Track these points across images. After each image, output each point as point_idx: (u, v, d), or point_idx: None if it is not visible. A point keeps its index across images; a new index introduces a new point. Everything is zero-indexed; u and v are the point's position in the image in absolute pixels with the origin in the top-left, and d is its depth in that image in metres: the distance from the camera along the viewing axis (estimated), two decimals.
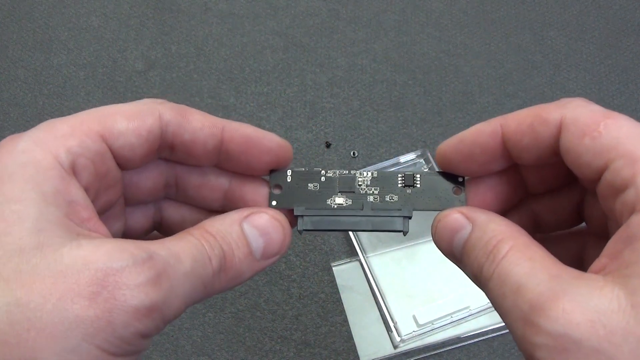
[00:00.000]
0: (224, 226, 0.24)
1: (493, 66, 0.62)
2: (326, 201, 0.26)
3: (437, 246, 0.25)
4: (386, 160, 0.53)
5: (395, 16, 0.65)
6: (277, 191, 0.27)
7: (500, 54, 0.62)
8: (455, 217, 0.24)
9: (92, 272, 0.19)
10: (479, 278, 0.22)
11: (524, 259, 0.21)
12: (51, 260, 0.19)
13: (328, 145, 0.57)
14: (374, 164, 0.54)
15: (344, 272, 0.51)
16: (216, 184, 0.27)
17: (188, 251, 0.22)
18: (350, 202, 0.26)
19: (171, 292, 0.20)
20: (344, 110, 0.59)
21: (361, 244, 0.51)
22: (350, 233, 0.51)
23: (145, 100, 0.24)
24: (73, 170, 0.21)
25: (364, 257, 0.50)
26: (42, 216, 0.20)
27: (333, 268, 0.51)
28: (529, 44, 0.63)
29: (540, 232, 0.27)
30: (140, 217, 0.27)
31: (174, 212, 0.28)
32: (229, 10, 0.65)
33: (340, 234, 0.52)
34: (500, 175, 0.26)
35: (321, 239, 0.52)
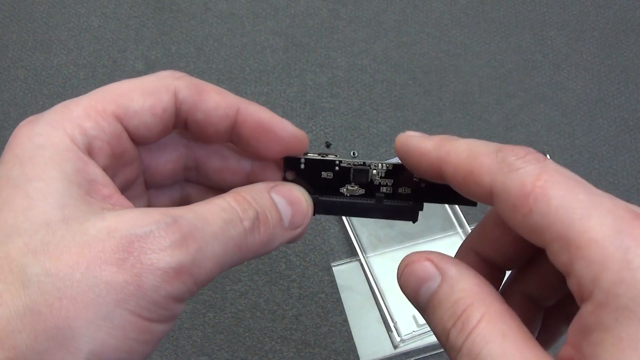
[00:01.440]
0: (255, 192, 0.24)
1: (493, 66, 0.62)
2: (339, 189, 0.27)
3: (401, 290, 0.24)
4: (386, 160, 0.53)
5: (395, 16, 0.65)
6: (290, 176, 0.27)
7: (500, 54, 0.62)
8: (424, 265, 0.22)
9: (117, 240, 0.19)
10: (444, 343, 0.21)
11: (496, 334, 0.19)
12: (76, 231, 0.19)
13: (328, 145, 0.57)
14: None
15: (344, 272, 0.51)
16: (238, 167, 0.27)
17: (217, 213, 0.22)
18: (363, 192, 0.27)
19: (200, 253, 0.20)
20: (344, 110, 0.59)
21: (361, 244, 0.51)
22: (350, 233, 0.51)
23: (163, 74, 0.24)
24: (89, 151, 0.22)
25: (364, 257, 0.50)
26: (65, 193, 0.20)
27: (333, 268, 0.51)
28: (529, 44, 0.63)
29: (542, 307, 0.25)
30: (165, 201, 0.27)
31: (200, 195, 0.28)
32: (229, 10, 0.65)
33: (341, 234, 0.52)
34: (471, 263, 0.24)
35: (321, 239, 0.52)
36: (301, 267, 0.51)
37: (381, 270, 0.50)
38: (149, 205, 0.27)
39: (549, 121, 0.59)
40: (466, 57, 0.62)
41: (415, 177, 0.26)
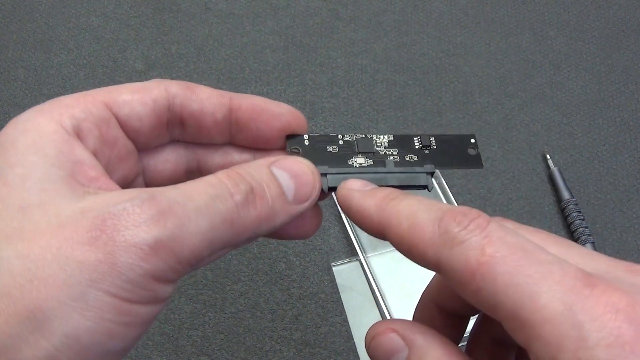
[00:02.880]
0: (252, 168, 0.23)
1: (493, 66, 0.62)
2: (347, 161, 0.26)
3: None
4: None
5: (395, 16, 0.65)
6: (295, 155, 0.26)
7: (500, 54, 0.62)
8: (391, 336, 0.21)
9: (91, 219, 0.19)
10: None
11: None
12: (52, 214, 0.19)
13: None
14: None
15: (344, 272, 0.51)
16: (240, 161, 0.26)
17: (202, 189, 0.21)
18: (371, 162, 0.26)
19: (180, 229, 0.19)
20: (344, 110, 0.59)
21: (361, 244, 0.51)
22: (350, 233, 0.51)
23: (152, 80, 0.25)
24: (77, 134, 0.21)
25: (364, 257, 0.50)
26: (45, 177, 0.20)
27: (333, 268, 0.51)
28: (529, 44, 0.63)
29: (513, 348, 0.24)
30: None
31: None
32: (229, 10, 0.65)
33: (341, 234, 0.52)
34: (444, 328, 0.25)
35: (321, 239, 0.52)
36: (301, 267, 0.51)
37: (381, 270, 0.50)
38: None
39: (549, 121, 0.59)
40: (466, 57, 0.62)
41: (417, 144, 0.27)
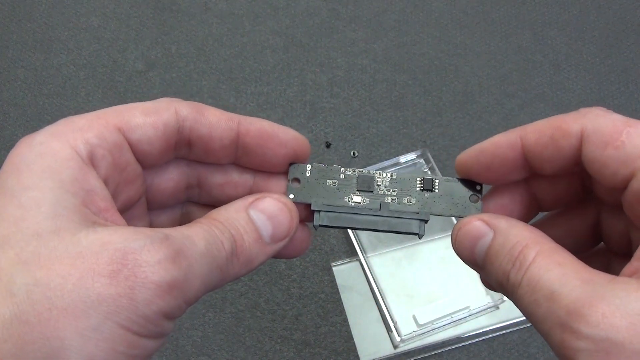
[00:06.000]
0: (230, 213, 0.24)
1: (493, 66, 0.62)
2: (344, 199, 0.27)
3: (457, 254, 0.25)
4: (386, 160, 0.53)
5: (395, 16, 0.65)
6: (295, 184, 0.27)
7: (500, 54, 0.62)
8: (476, 224, 0.24)
9: (111, 252, 0.19)
10: (505, 285, 0.22)
11: (553, 264, 0.21)
12: (69, 243, 0.19)
13: (328, 145, 0.57)
14: (374, 164, 0.54)
15: (344, 272, 0.51)
16: (240, 181, 0.27)
17: (201, 234, 0.22)
18: (368, 202, 0.27)
19: (190, 270, 0.20)
20: (344, 110, 0.59)
21: (361, 244, 0.51)
22: (350, 233, 0.51)
23: (162, 99, 0.25)
24: (91, 161, 0.22)
25: (364, 257, 0.50)
26: (59, 202, 0.20)
27: (333, 268, 0.51)
28: (529, 44, 0.63)
29: None
30: (165, 220, 0.27)
31: (201, 215, 0.27)
32: (229, 10, 0.65)
33: (341, 234, 0.52)
34: (513, 195, 0.26)
35: (321, 239, 0.52)
36: (301, 267, 0.51)
37: (381, 270, 0.50)
38: (151, 225, 0.27)
39: None
40: (466, 57, 0.62)
41: (419, 186, 0.27)
